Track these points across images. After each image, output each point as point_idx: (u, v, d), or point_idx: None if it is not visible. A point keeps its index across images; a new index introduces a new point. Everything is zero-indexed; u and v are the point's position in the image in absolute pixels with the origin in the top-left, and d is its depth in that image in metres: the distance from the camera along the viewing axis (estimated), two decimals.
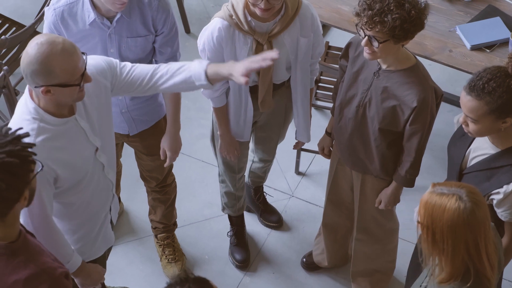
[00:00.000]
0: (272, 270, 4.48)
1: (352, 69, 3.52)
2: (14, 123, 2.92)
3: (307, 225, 4.65)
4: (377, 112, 3.44)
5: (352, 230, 4.12)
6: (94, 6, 3.38)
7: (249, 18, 3.52)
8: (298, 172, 4.87)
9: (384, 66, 3.40)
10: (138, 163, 4.11)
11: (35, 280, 2.51)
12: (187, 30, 5.56)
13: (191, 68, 3.12)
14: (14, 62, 4.76)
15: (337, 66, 4.58)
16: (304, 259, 4.47)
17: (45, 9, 3.43)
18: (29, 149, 2.49)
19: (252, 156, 4.36)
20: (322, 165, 4.87)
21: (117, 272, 4.39)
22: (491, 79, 2.92)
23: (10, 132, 2.49)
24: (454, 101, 5.12)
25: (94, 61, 3.07)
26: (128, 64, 3.17)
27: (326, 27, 5.43)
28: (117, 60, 3.17)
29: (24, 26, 4.87)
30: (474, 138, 3.20)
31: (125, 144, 4.13)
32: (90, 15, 3.38)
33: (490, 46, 4.33)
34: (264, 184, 4.60)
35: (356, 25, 3.29)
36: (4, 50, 4.66)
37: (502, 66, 2.97)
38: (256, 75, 3.71)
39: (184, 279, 2.29)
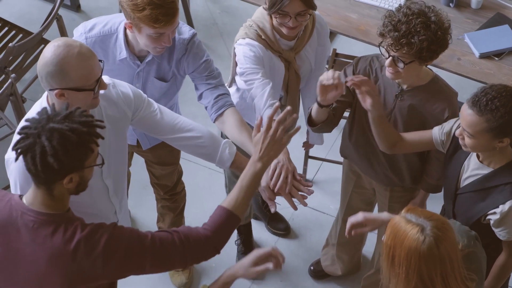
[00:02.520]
0: (280, 278, 4.47)
1: None
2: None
3: (314, 233, 4.64)
4: (405, 131, 3.36)
5: (364, 240, 4.12)
6: (127, 43, 3.34)
7: (278, 37, 3.53)
8: (305, 180, 4.85)
9: (405, 86, 3.34)
10: (148, 171, 4.10)
11: (94, 234, 2.62)
12: None
13: (219, 149, 3.20)
14: (21, 69, 4.76)
15: None
16: (312, 267, 4.46)
17: (76, 34, 3.38)
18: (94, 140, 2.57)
19: None
20: (329, 172, 4.86)
21: (125, 280, 4.35)
22: (496, 97, 2.87)
23: (85, 115, 2.58)
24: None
25: (123, 88, 3.08)
26: (154, 105, 3.18)
27: (332, 34, 5.42)
28: (146, 96, 3.18)
29: (31, 32, 4.87)
30: (466, 157, 3.17)
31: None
32: (122, 52, 3.34)
33: (498, 54, 4.31)
34: None
35: (380, 44, 3.22)
36: (10, 57, 4.65)
37: (509, 86, 2.93)
38: (284, 91, 3.73)
39: None
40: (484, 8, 4.55)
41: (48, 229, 2.62)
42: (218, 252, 2.80)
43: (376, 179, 3.70)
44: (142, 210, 4.69)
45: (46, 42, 4.88)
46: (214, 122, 3.39)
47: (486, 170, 3.08)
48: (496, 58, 4.31)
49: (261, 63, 3.54)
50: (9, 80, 4.24)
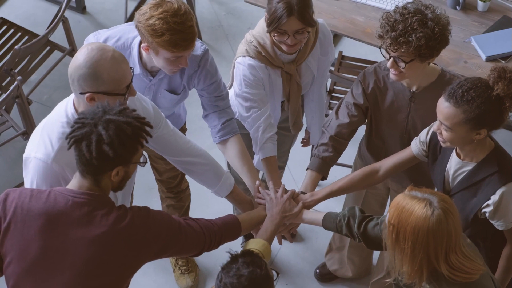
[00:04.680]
0: (286, 281, 4.46)
1: (383, 104, 3.42)
2: (49, 119, 2.97)
3: (320, 236, 4.63)
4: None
5: None
6: (140, 59, 3.34)
7: (279, 53, 3.52)
8: None
9: (414, 88, 3.33)
10: (152, 167, 4.10)
11: (141, 211, 2.80)
12: (199, 38, 5.54)
13: (221, 180, 3.36)
14: (27, 72, 4.76)
15: (351, 76, 4.59)
16: (318, 270, 4.45)
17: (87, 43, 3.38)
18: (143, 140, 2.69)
19: None
20: (335, 175, 4.84)
21: (131, 282, 4.37)
22: (471, 88, 2.89)
23: (136, 112, 2.70)
24: None
25: (146, 104, 3.14)
26: (170, 126, 3.25)
27: (338, 37, 5.42)
28: (164, 116, 3.23)
29: (36, 34, 4.88)
30: (448, 160, 3.17)
31: None
32: (135, 68, 3.33)
33: (505, 57, 4.31)
34: None
35: (380, 47, 3.23)
36: (16, 60, 4.65)
37: (483, 78, 2.95)
38: (286, 100, 3.74)
39: (234, 258, 2.71)
40: (490, 11, 4.54)
41: (103, 209, 2.71)
42: (219, 245, 3.07)
43: (395, 178, 3.69)
44: None
45: (52, 44, 4.89)
46: (216, 143, 3.50)
47: (470, 166, 3.10)
48: (503, 61, 4.30)
49: (260, 86, 3.56)
50: (15, 83, 4.24)
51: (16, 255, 2.72)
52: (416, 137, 3.28)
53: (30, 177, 2.95)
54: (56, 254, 2.71)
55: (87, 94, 2.82)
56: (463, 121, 2.91)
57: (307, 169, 3.54)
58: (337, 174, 4.77)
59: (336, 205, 4.76)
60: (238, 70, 3.55)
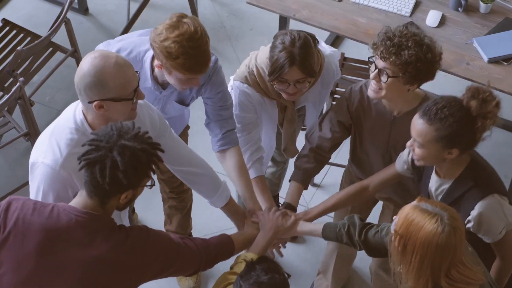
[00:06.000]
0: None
1: (366, 123, 3.46)
2: (57, 125, 2.97)
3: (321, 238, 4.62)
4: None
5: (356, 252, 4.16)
6: (152, 72, 3.34)
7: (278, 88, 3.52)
8: (313, 184, 4.85)
9: (395, 113, 3.36)
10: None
11: (141, 233, 2.79)
12: None
13: (218, 192, 3.41)
14: (29, 73, 4.76)
15: (353, 77, 4.60)
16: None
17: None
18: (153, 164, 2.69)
19: None
20: (336, 177, 4.83)
21: None
22: (445, 107, 2.91)
23: (148, 135, 2.69)
24: None
25: (151, 111, 3.15)
26: (175, 136, 3.28)
27: (340, 38, 5.42)
28: (168, 125, 3.24)
29: (39, 36, 4.88)
30: (429, 179, 3.19)
31: None
32: (146, 81, 3.34)
33: (507, 59, 4.31)
34: (280, 195, 4.58)
35: (369, 58, 3.25)
36: (19, 61, 4.66)
37: (458, 98, 2.96)
38: (279, 125, 3.78)
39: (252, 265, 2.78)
40: (492, 12, 4.54)
41: (104, 231, 2.69)
42: (213, 264, 3.09)
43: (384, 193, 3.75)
44: (150, 213, 4.68)
45: (54, 45, 4.89)
46: (215, 152, 3.54)
47: (448, 184, 3.11)
48: (505, 63, 4.30)
49: (253, 111, 3.60)
50: (18, 84, 4.24)
51: (12, 267, 2.69)
52: (400, 154, 3.32)
53: (37, 183, 2.94)
54: (52, 271, 2.69)
55: (95, 103, 2.82)
56: (435, 139, 2.93)
57: (289, 180, 3.62)
58: (336, 174, 4.77)
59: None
60: (235, 93, 3.59)
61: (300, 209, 4.71)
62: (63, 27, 4.75)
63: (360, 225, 3.15)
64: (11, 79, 4.66)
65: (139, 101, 2.98)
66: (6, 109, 4.53)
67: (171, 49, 3.07)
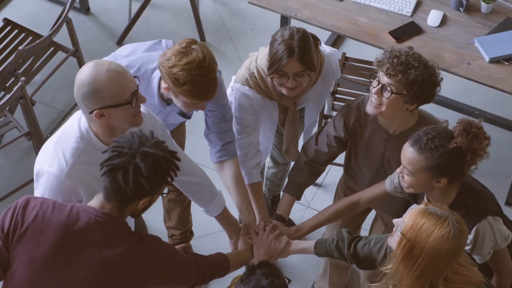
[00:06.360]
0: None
1: (362, 139, 3.49)
2: (62, 133, 2.97)
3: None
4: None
5: None
6: (158, 90, 3.36)
7: (278, 88, 3.53)
8: (314, 183, 4.85)
9: (391, 131, 3.38)
10: None
11: (154, 240, 2.83)
12: (202, 39, 5.56)
13: (213, 201, 3.47)
14: (31, 72, 4.76)
15: (354, 77, 4.60)
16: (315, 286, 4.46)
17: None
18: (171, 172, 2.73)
19: (267, 161, 4.36)
20: (338, 176, 4.82)
21: None
22: (436, 137, 2.94)
23: (165, 144, 2.74)
24: (471, 112, 5.10)
25: (153, 119, 3.17)
26: (174, 144, 3.29)
27: (341, 38, 5.42)
28: (170, 136, 3.28)
29: (40, 35, 4.88)
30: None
31: None
32: (152, 99, 3.37)
33: (508, 59, 4.31)
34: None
35: (371, 74, 3.27)
36: (20, 60, 4.66)
37: (449, 129, 2.99)
38: (281, 126, 3.80)
39: (252, 269, 2.80)
40: (494, 12, 4.54)
41: (120, 233, 2.72)
42: (209, 281, 3.12)
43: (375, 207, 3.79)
44: (150, 212, 4.59)
45: (55, 45, 4.89)
46: (213, 163, 3.57)
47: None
48: (506, 63, 4.30)
49: (253, 113, 3.61)
50: (19, 83, 4.24)
51: (26, 262, 2.71)
52: (390, 176, 3.35)
53: (41, 190, 2.96)
54: (67, 269, 2.71)
55: (95, 112, 2.83)
56: (425, 168, 2.96)
57: (282, 191, 3.67)
58: (337, 174, 4.77)
59: (329, 200, 4.75)
60: (235, 95, 3.59)
61: (301, 208, 4.75)
62: (64, 26, 4.75)
63: (348, 239, 3.19)
64: (13, 79, 4.66)
65: (142, 111, 2.99)
66: (7, 108, 4.53)
67: (179, 76, 3.10)
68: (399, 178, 3.15)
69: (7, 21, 5.02)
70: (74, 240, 2.70)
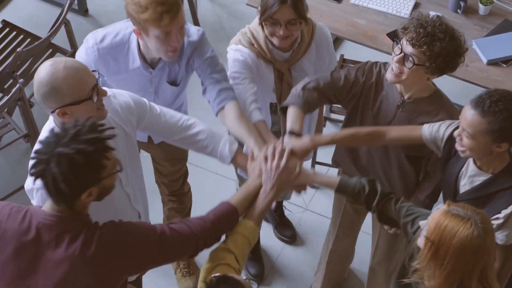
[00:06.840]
0: (286, 284, 4.47)
1: (374, 102, 3.38)
2: (41, 134, 2.94)
3: (320, 239, 4.62)
4: None
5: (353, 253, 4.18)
6: (139, 51, 3.37)
7: (271, 47, 3.53)
8: (312, 186, 4.85)
9: (406, 97, 3.30)
10: (155, 169, 4.11)
11: (113, 230, 2.72)
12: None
13: (219, 146, 3.27)
14: (29, 74, 4.77)
15: None
16: None
17: (87, 45, 3.41)
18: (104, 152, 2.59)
19: None
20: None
21: (132, 284, 4.38)
22: (500, 100, 2.85)
23: (95, 128, 2.59)
24: None
25: (123, 97, 3.11)
26: (157, 108, 3.24)
27: (340, 40, 5.42)
28: (147, 101, 3.21)
29: (39, 37, 4.89)
30: (464, 163, 3.12)
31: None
32: (135, 61, 3.38)
33: (506, 61, 4.31)
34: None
35: (395, 40, 3.18)
36: (18, 62, 4.66)
37: None
38: (277, 102, 3.73)
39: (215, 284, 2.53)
40: (492, 14, 4.54)
41: (71, 232, 2.66)
42: (218, 240, 2.93)
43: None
44: (150, 216, 4.67)
45: (54, 46, 4.90)
46: (216, 115, 3.44)
47: (484, 176, 3.06)
48: (504, 65, 4.31)
49: (249, 69, 3.55)
50: (17, 85, 4.25)
51: None
52: (431, 124, 3.20)
53: (36, 203, 2.96)
54: (29, 276, 2.68)
55: (57, 111, 2.80)
56: (486, 131, 2.87)
57: (285, 104, 3.37)
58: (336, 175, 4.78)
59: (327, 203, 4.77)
60: (229, 55, 3.58)
61: (299, 210, 4.75)
62: (63, 28, 4.76)
63: (381, 194, 3.06)
64: (11, 81, 4.67)
65: (108, 94, 2.94)
66: (5, 110, 4.53)
67: (140, 2, 3.13)
68: (457, 142, 2.99)
69: (5, 23, 5.03)
70: (28, 247, 2.67)
